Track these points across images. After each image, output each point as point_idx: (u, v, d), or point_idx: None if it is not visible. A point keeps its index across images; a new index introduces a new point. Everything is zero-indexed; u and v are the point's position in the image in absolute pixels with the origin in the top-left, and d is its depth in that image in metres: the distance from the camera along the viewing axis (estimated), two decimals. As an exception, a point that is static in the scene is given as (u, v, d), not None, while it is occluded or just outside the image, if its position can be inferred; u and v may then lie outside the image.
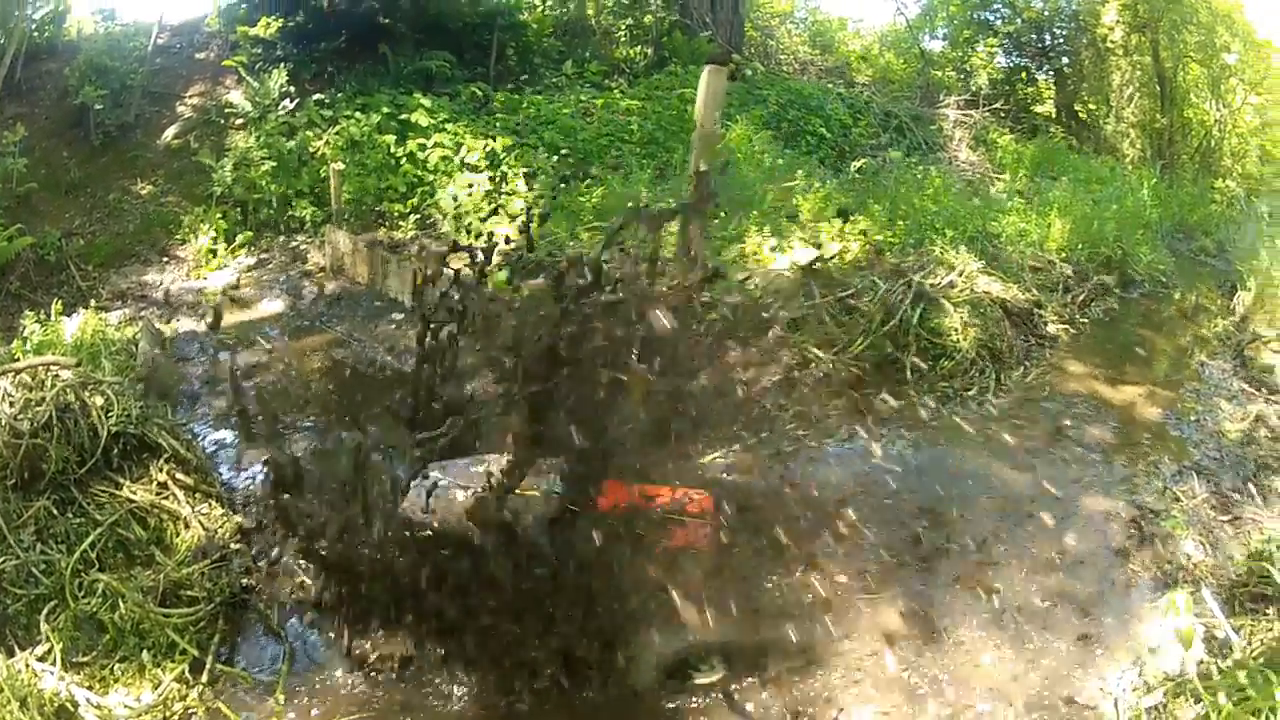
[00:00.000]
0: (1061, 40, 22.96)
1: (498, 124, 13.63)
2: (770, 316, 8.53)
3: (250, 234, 12.39)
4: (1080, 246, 11.57)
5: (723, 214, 10.55)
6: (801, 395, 7.98)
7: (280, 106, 13.57)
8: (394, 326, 9.62)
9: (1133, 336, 10.36)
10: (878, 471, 7.17)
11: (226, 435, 7.65)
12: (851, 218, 11.04)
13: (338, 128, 13.15)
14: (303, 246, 12.28)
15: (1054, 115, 22.32)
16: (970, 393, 8.40)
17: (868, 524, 6.45)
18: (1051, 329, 9.81)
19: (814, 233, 10.58)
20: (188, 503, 5.97)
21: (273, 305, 10.78)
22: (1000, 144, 18.69)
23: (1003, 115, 20.55)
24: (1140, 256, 12.17)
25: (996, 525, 6.76)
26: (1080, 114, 22.52)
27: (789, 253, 9.96)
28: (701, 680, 5.20)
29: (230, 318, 10.28)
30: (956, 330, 8.64)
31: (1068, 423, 8.22)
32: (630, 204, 9.48)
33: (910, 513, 6.83)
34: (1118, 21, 21.88)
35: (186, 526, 5.80)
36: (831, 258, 9.86)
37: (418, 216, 12.46)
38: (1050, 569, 6.36)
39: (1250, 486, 7.61)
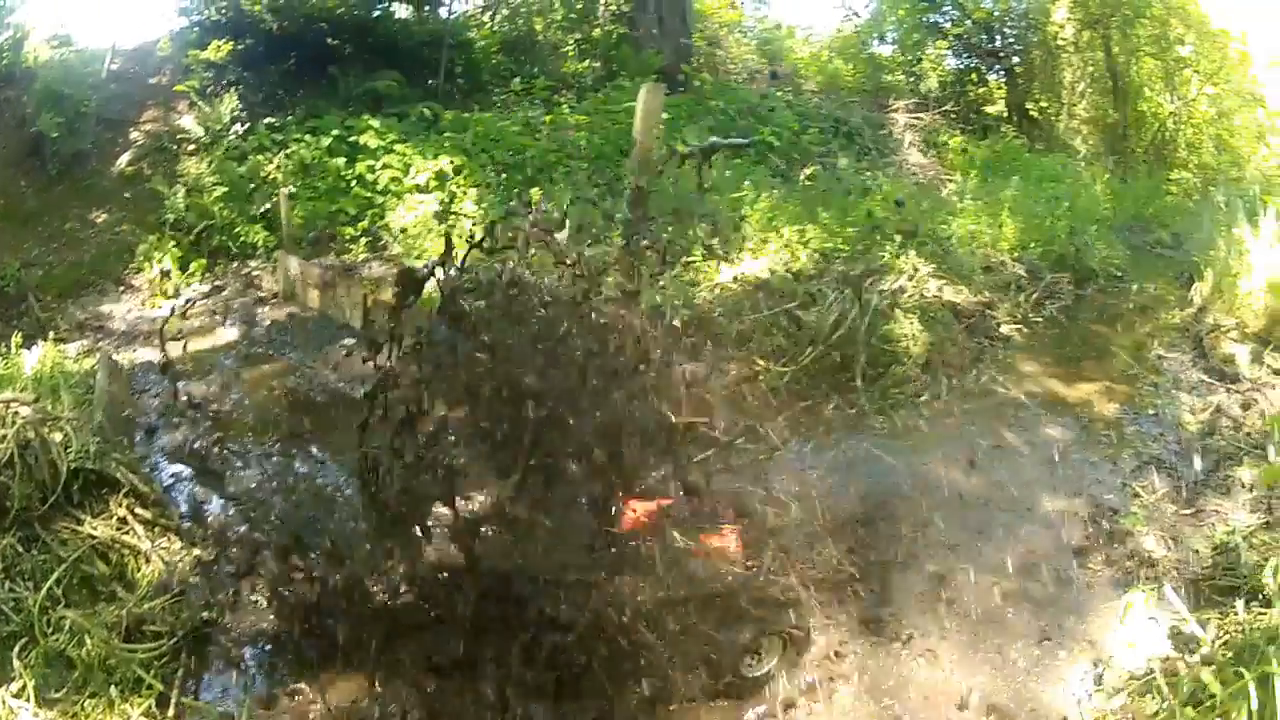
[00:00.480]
0: (1012, 40, 22.97)
1: (446, 143, 13.44)
2: (719, 329, 8.35)
3: (203, 261, 12.24)
4: (1033, 245, 11.45)
5: (669, 229, 10.36)
6: (750, 407, 7.79)
7: (231, 131, 13.39)
8: (345, 353, 9.31)
9: (1088, 333, 10.19)
10: (828, 478, 7.10)
11: (183, 468, 7.49)
12: (803, 226, 10.87)
13: (288, 151, 12.96)
14: (256, 272, 12.15)
15: (1006, 115, 22.33)
16: (923, 398, 8.21)
17: (820, 532, 6.38)
18: (1005, 329, 9.65)
19: (762, 243, 10.40)
20: (147, 537, 5.90)
21: (227, 333, 10.61)
22: (951, 145, 18.64)
23: (953, 116, 20.56)
24: (1094, 252, 12.04)
25: (952, 528, 6.62)
26: (1032, 112, 22.54)
27: (737, 265, 9.80)
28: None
29: (190, 346, 9.93)
30: (907, 336, 8.46)
31: (1022, 423, 8.06)
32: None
33: (863, 519, 6.71)
34: (1068, 19, 21.94)
35: (147, 561, 5.72)
36: (780, 269, 9.67)
37: (368, 239, 12.32)
38: (1008, 570, 6.23)
39: (1212, 478, 7.47)
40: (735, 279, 9.41)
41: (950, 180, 16.64)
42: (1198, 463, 7.58)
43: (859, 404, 8.05)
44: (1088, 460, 7.60)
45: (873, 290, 8.82)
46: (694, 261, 9.84)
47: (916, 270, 9.61)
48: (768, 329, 8.29)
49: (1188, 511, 6.98)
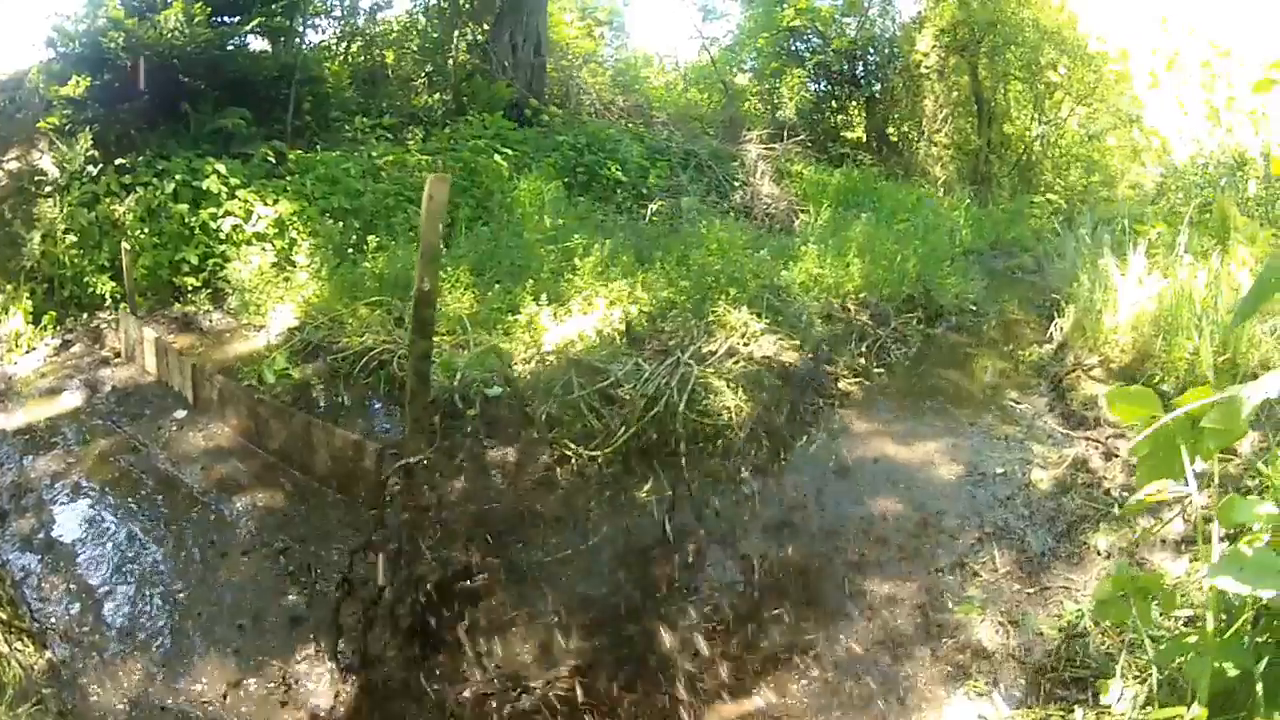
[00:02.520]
0: (874, 66, 22.74)
1: (288, 187, 12.48)
2: (530, 412, 7.56)
3: (54, 314, 11.26)
4: (881, 285, 10.81)
5: (496, 284, 9.97)
6: (559, 496, 7.03)
7: (85, 173, 12.32)
8: (176, 427, 8.55)
9: (933, 381, 9.48)
10: (617, 573, 6.44)
11: (32, 561, 6.66)
12: (638, 273, 10.17)
13: (135, 195, 11.91)
14: (104, 328, 11.20)
15: (865, 141, 22.11)
16: (744, 474, 7.43)
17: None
18: (843, 385, 8.92)
19: (591, 297, 9.65)
20: (4, 639, 5.38)
21: (72, 398, 9.56)
22: (805, 175, 18.09)
23: (809, 145, 20.16)
24: (946, 288, 11.48)
25: (759, 624, 5.92)
26: (893, 137, 22.36)
27: (564, 322, 9.05)
28: None
29: (36, 411, 9.23)
30: (728, 409, 7.69)
31: (851, 495, 7.30)
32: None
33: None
34: (933, 46, 21.83)
35: (8, 665, 5.14)
36: (607, 328, 8.93)
37: (210, 291, 11.41)
38: (821, 674, 5.49)
39: (1063, 546, 6.78)
40: (554, 348, 8.63)
41: (803, 210, 16.09)
42: (1048, 529, 6.91)
43: (677, 484, 7.23)
44: (922, 536, 6.84)
45: (693, 359, 8.02)
46: (518, 323, 9.06)
47: (747, 326, 8.86)
48: (578, 410, 7.50)
49: (1032, 590, 6.22)
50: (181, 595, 6.11)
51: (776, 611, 5.89)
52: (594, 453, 7.19)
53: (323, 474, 7.11)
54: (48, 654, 5.47)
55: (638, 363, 7.88)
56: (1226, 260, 10.36)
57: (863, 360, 9.40)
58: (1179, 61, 21.25)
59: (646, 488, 7.15)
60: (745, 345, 8.66)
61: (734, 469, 7.43)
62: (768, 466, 7.49)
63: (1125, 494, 7.34)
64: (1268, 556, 2.14)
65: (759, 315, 9.31)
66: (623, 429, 7.32)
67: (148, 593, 6.16)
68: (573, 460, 7.27)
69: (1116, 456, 8.02)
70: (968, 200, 18.42)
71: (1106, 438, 8.43)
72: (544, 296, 9.38)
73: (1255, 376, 8.19)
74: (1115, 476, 7.70)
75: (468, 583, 6.12)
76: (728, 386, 7.79)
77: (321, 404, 8.37)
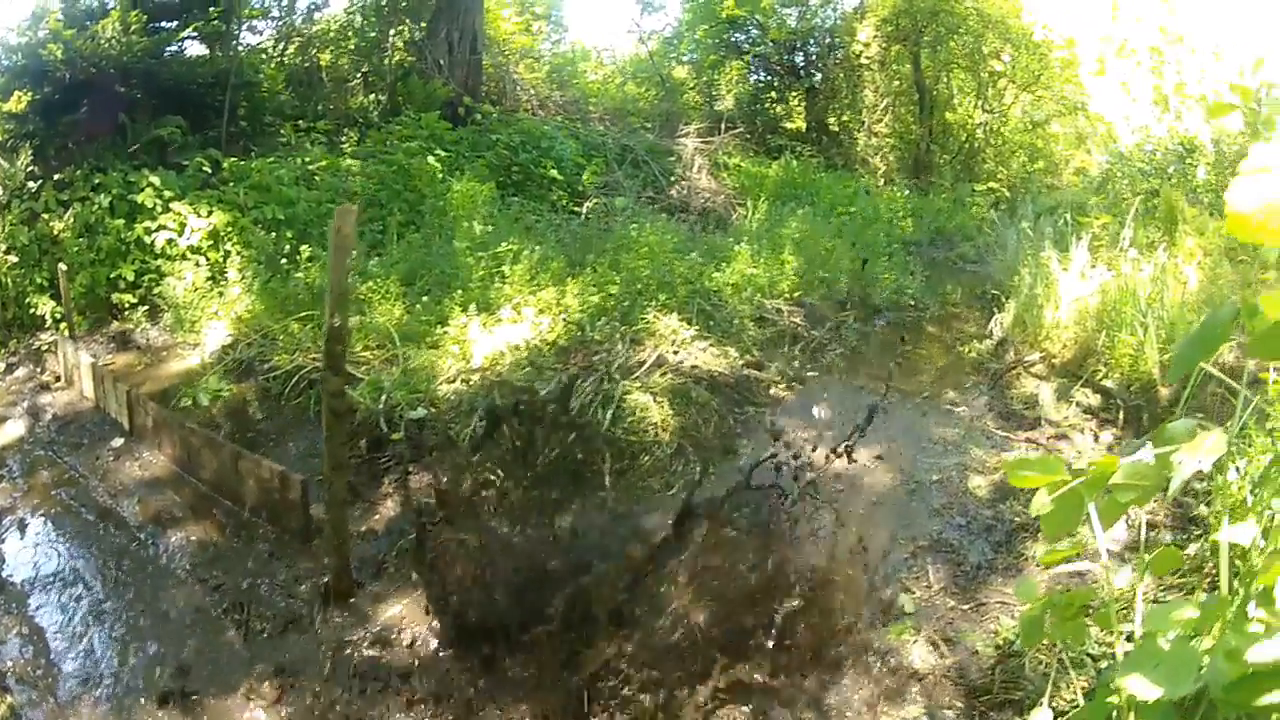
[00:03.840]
0: (814, 57, 22.60)
1: (222, 197, 12.09)
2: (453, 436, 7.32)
3: None
4: (817, 282, 10.58)
5: (427, 294, 9.76)
6: (482, 523, 6.77)
7: (25, 190, 11.94)
8: (113, 456, 8.30)
9: (868, 382, 9.16)
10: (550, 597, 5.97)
11: None
12: (570, 279, 9.90)
13: (74, 211, 11.55)
14: (46, 350, 10.95)
15: (805, 131, 21.97)
16: (672, 492, 7.11)
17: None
18: (775, 390, 8.65)
19: (522, 305, 9.37)
20: None
21: (15, 427, 9.30)
22: (743, 168, 17.89)
23: (748, 138, 19.98)
24: (884, 284, 11.27)
25: (678, 654, 5.55)
26: (833, 127, 22.21)
27: (493, 332, 8.78)
28: None
29: None
30: (655, 424, 7.42)
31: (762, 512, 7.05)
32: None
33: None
34: (874, 36, 21.75)
35: None
36: (536, 340, 8.66)
37: (146, 308, 11.17)
38: (745, 703, 5.21)
39: (1001, 557, 6.55)
40: (484, 361, 8.36)
41: (741, 204, 15.90)
42: (986, 539, 6.69)
43: (605, 504, 6.94)
44: (854, 550, 6.55)
45: (619, 373, 7.75)
46: (448, 335, 8.79)
47: (677, 334, 8.60)
48: (502, 431, 7.22)
49: (968, 605, 5.98)
50: (126, 635, 5.92)
51: (690, 645, 5.63)
52: (517, 476, 6.92)
53: (253, 505, 6.94)
54: (9, 698, 5.32)
55: (561, 380, 7.59)
56: (1174, 253, 10.21)
57: (796, 363, 9.11)
58: (1128, 48, 21.26)
59: (572, 510, 6.89)
60: (675, 353, 8.39)
61: (662, 485, 7.16)
62: (694, 481, 7.21)
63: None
64: (1185, 651, 1.86)
65: (689, 321, 9.05)
66: (546, 450, 7.04)
67: (96, 634, 5.97)
68: (496, 484, 7.00)
69: (1059, 456, 7.81)
70: (908, 190, 18.35)
71: (1048, 438, 8.26)
72: (473, 307, 9.15)
73: (1205, 378, 8.07)
74: (1056, 480, 7.49)
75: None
76: (654, 401, 7.51)
77: (255, 427, 8.19)
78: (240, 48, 15.78)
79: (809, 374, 9.08)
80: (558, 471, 7.01)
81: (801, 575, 5.38)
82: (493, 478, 6.94)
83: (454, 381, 7.92)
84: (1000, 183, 21.20)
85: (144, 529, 7.03)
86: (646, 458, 7.26)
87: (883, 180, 20.00)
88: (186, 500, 7.30)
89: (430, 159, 13.88)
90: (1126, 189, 19.58)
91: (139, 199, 11.51)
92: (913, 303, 11.50)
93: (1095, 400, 8.64)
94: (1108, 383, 8.72)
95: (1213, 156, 20.32)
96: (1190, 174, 19.85)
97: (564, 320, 8.97)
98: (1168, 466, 2.13)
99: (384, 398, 7.54)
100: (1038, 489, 2.35)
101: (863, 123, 22.22)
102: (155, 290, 11.09)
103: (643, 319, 8.98)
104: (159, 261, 11.26)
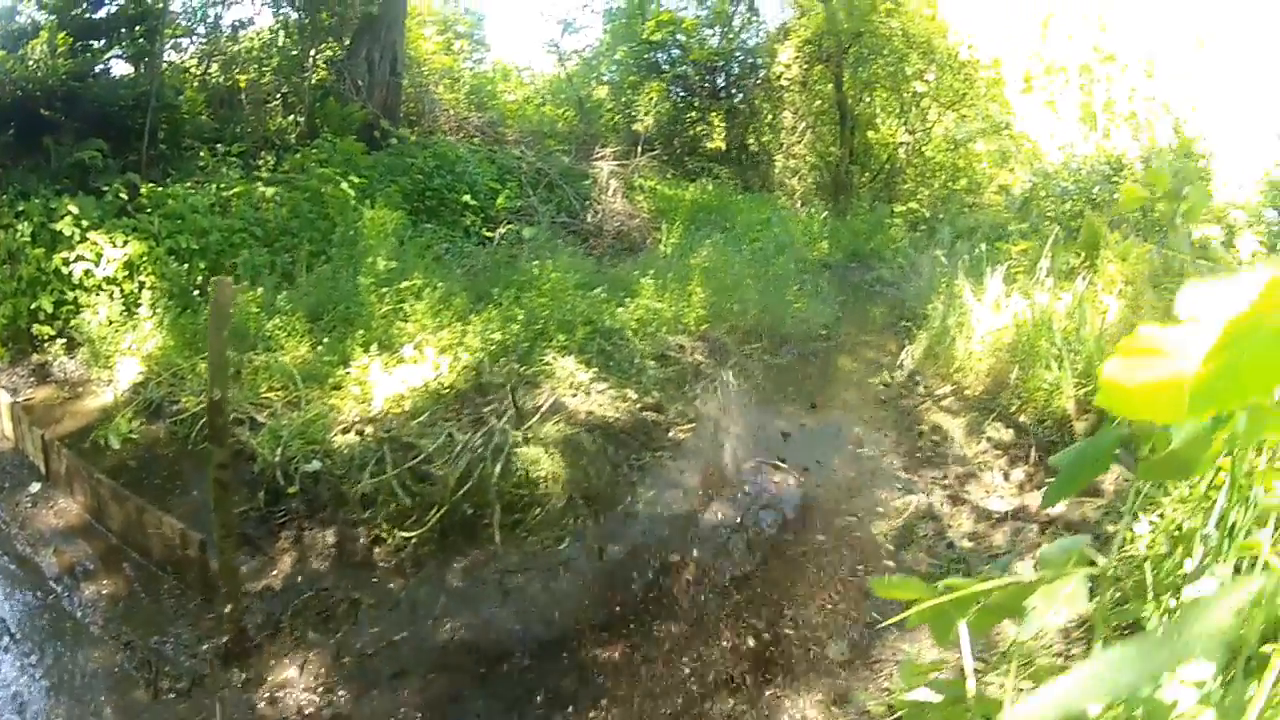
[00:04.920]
0: (736, 78, 22.56)
1: (138, 226, 11.60)
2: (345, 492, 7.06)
3: None
4: (725, 315, 10.40)
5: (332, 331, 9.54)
6: (377, 581, 6.55)
7: None
8: (31, 502, 7.94)
9: (772, 420, 8.97)
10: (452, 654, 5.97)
11: None
12: (474, 315, 9.66)
13: None
14: None
15: (726, 152, 21.88)
16: (563, 545, 6.88)
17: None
18: (674, 433, 8.41)
19: (424, 344, 9.11)
20: None
21: None
22: (659, 191, 17.71)
23: (665, 160, 19.83)
24: (794, 314, 11.11)
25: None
26: (752, 147, 22.16)
27: (394, 372, 8.51)
28: None
29: None
30: (545, 477, 7.17)
31: (654, 565, 6.82)
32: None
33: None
34: (796, 58, 21.71)
35: None
36: (434, 383, 8.41)
37: (64, 340, 10.63)
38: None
39: (898, 610, 6.31)
40: (384, 404, 8.10)
41: (656, 228, 15.70)
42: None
43: (495, 559, 6.70)
44: (748, 604, 6.40)
45: (510, 423, 7.50)
46: (350, 376, 8.53)
47: (574, 377, 8.37)
48: (391, 490, 6.96)
49: (862, 663, 5.78)
50: (51, 691, 5.73)
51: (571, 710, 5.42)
52: (408, 534, 6.69)
53: (159, 560, 6.76)
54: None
55: (451, 434, 7.38)
56: (1095, 280, 10.07)
57: (698, 403, 8.86)
58: (1056, 66, 21.38)
59: (464, 564, 6.68)
60: (574, 395, 8.16)
61: (552, 539, 6.92)
62: (585, 535, 6.99)
63: (969, 543, 6.99)
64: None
65: (588, 363, 8.82)
66: (436, 507, 6.83)
67: (26, 690, 5.79)
68: (389, 541, 6.78)
69: (964, 501, 7.66)
70: (825, 212, 18.28)
71: (956, 477, 8.10)
72: (374, 347, 8.92)
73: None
74: (961, 524, 7.35)
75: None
76: (545, 452, 7.26)
77: (164, 471, 7.91)
78: (164, 66, 15.39)
79: (710, 415, 8.83)
80: (448, 528, 6.83)
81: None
82: (384, 535, 6.76)
83: (349, 431, 7.63)
84: (920, 202, 21.26)
85: (60, 580, 6.80)
86: (538, 510, 7.01)
87: (800, 202, 19.98)
88: (99, 551, 7.05)
89: (344, 185, 13.50)
90: (1050, 207, 19.63)
91: (58, 227, 11.12)
92: (824, 332, 11.36)
93: (1008, 435, 8.50)
94: (1021, 417, 8.56)
95: (1141, 175, 20.46)
96: (1117, 192, 19.95)
97: (463, 363, 8.72)
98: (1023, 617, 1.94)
99: (280, 449, 7.27)
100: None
101: (782, 144, 22.15)
102: (71, 323, 10.68)
103: (541, 361, 8.72)
104: (76, 293, 10.84)
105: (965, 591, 2.10)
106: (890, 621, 5.41)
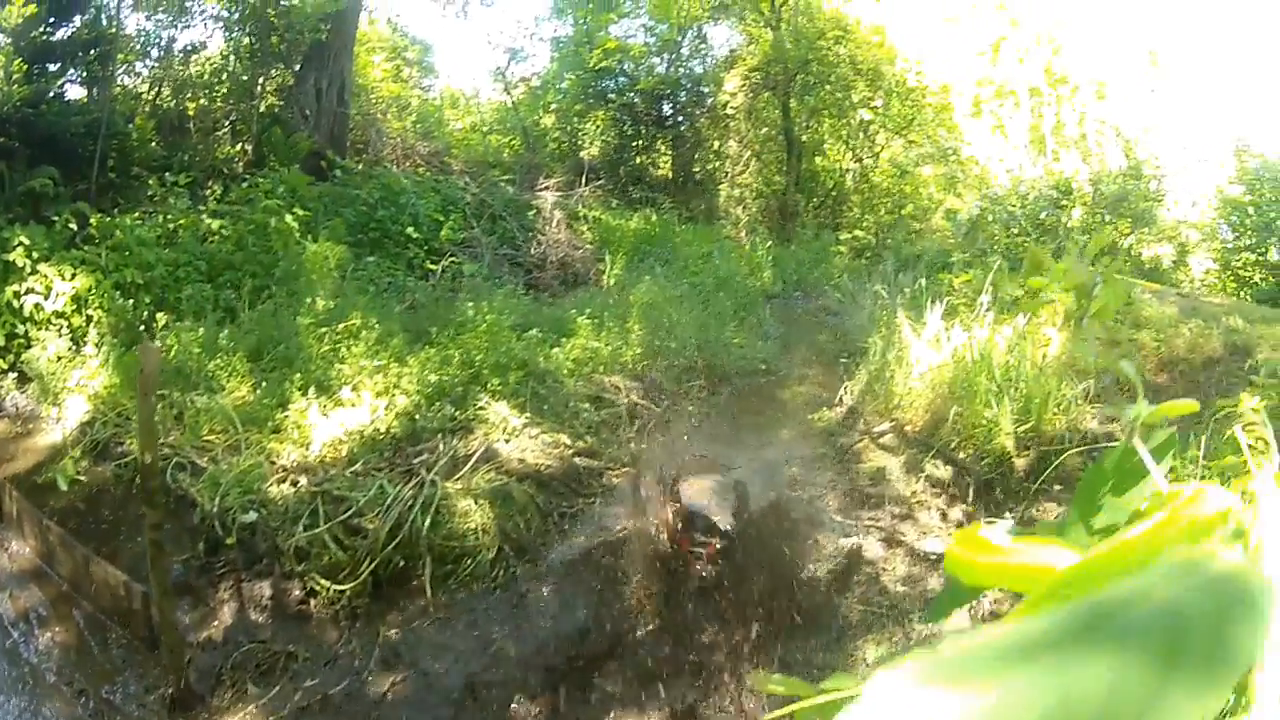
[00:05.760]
0: (682, 106, 22.59)
1: (86, 258, 11.38)
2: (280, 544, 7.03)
3: None
4: (663, 352, 10.36)
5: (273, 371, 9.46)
6: (312, 633, 6.57)
7: None
8: None
9: (708, 460, 8.89)
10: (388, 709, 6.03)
11: None
12: (410, 357, 9.58)
13: None
14: None
15: (672, 179, 21.92)
16: (492, 597, 6.82)
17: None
18: (607, 478, 8.34)
19: (360, 386, 9.02)
20: None
21: None
22: (603, 221, 17.70)
23: (610, 189, 19.82)
24: (733, 349, 11.08)
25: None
26: (698, 175, 22.19)
27: (332, 415, 8.43)
28: None
29: None
30: (475, 528, 7.11)
31: (584, 614, 6.77)
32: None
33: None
34: (742, 86, 21.76)
35: None
36: (369, 428, 8.33)
37: (15, 374, 10.39)
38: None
39: (831, 657, 6.33)
40: (321, 449, 8.05)
41: (600, 260, 15.74)
42: (817, 637, 6.47)
43: (428, 611, 6.69)
44: (675, 654, 6.37)
45: (440, 474, 7.44)
46: (288, 419, 8.48)
47: (507, 423, 8.31)
48: (323, 543, 6.89)
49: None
50: None
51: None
52: (341, 586, 6.67)
53: (107, 609, 6.84)
54: None
55: (383, 486, 7.31)
56: (1036, 315, 10.07)
57: (632, 445, 8.80)
58: (1007, 89, 21.50)
59: (398, 617, 6.63)
60: (507, 441, 8.10)
61: (482, 590, 6.88)
62: (516, 585, 6.95)
63: (903, 588, 6.97)
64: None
65: (521, 408, 8.76)
66: (368, 559, 6.79)
67: None
68: (324, 594, 6.73)
69: (900, 544, 7.62)
70: (769, 241, 18.29)
71: (893, 518, 8.07)
72: (312, 390, 8.85)
73: (1064, 442, 7.88)
74: (896, 568, 7.32)
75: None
76: (475, 503, 7.21)
77: (111, 515, 7.86)
78: (116, 90, 15.27)
79: (643, 457, 8.77)
80: (381, 580, 6.80)
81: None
82: (318, 588, 6.71)
83: (285, 481, 7.55)
84: (866, 229, 21.33)
85: (16, 626, 6.83)
86: (469, 562, 6.96)
87: (745, 231, 19.98)
88: (50, 597, 7.08)
89: (289, 217, 13.34)
90: (997, 231, 19.72)
91: (11, 258, 10.92)
92: (764, 367, 11.33)
93: (946, 473, 8.47)
94: (961, 454, 8.54)
95: (1090, 197, 20.60)
96: (1065, 216, 20.07)
97: (400, 406, 8.66)
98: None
99: (218, 498, 7.22)
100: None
101: (727, 173, 22.18)
102: (23, 357, 10.42)
103: (476, 404, 8.66)
104: (27, 325, 10.65)
105: (844, 693, 2.05)
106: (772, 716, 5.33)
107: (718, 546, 6.88)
